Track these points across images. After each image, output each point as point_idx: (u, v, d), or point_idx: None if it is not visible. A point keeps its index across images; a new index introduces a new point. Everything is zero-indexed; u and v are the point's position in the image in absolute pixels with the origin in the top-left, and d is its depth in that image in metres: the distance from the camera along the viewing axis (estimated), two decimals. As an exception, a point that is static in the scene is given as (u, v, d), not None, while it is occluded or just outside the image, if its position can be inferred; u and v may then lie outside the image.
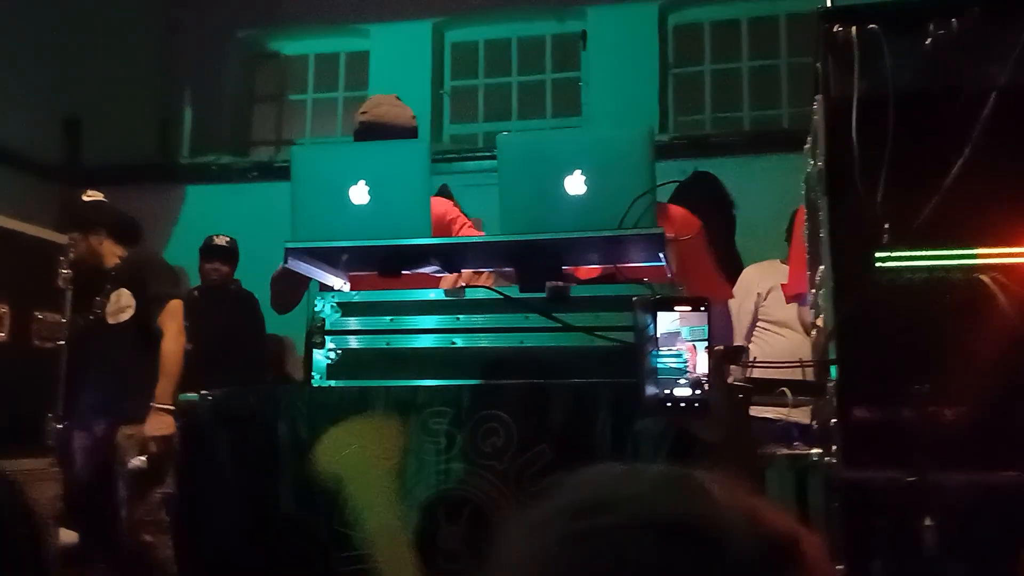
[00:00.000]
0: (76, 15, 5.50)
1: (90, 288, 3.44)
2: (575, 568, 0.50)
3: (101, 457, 3.37)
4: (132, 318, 3.44)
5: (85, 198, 3.74)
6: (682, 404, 1.35)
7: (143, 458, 3.21)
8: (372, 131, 2.67)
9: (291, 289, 2.55)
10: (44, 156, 5.51)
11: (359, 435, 1.84)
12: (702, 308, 1.37)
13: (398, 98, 2.86)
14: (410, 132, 2.75)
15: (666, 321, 1.39)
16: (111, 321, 3.44)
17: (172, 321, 3.40)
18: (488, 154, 5.68)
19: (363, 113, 2.76)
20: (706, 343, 1.38)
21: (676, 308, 1.37)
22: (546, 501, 0.55)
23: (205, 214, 5.46)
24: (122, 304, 3.45)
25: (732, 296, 2.94)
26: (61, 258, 3.07)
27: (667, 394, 1.36)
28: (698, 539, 0.50)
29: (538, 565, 0.52)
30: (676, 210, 2.70)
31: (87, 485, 3.37)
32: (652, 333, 1.36)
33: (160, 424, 3.19)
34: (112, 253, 3.58)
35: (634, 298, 1.52)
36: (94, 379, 3.40)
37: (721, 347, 1.53)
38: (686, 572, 0.49)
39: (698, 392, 1.34)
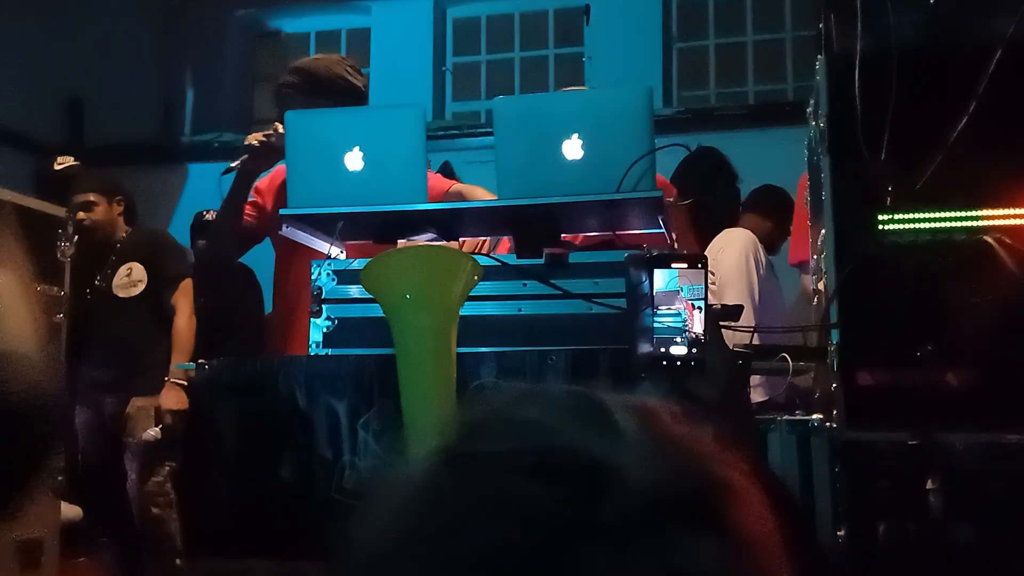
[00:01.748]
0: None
1: (93, 260, 3.43)
2: (436, 499, 0.45)
3: (110, 432, 3.36)
4: (143, 293, 3.44)
5: (57, 166, 3.73)
6: (678, 363, 1.33)
7: (157, 429, 3.20)
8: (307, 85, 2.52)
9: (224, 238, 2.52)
10: (47, 136, 5.50)
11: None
12: (699, 266, 1.35)
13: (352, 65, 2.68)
14: (350, 92, 2.54)
15: (663, 279, 1.36)
16: (121, 295, 3.43)
17: (185, 299, 3.40)
18: (491, 130, 5.64)
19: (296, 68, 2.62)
20: (703, 302, 1.35)
21: (673, 265, 1.35)
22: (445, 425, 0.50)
23: (207, 192, 5.43)
24: (134, 278, 3.44)
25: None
26: (60, 231, 3.06)
27: (663, 352, 1.33)
28: (576, 473, 0.42)
29: (406, 492, 0.46)
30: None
31: (94, 460, 3.38)
32: (647, 291, 1.33)
33: (175, 398, 3.19)
34: (122, 227, 3.59)
35: (627, 255, 1.49)
36: (102, 353, 3.39)
37: (718, 304, 1.51)
38: (555, 511, 0.41)
39: (695, 351, 1.32)
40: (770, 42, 5.68)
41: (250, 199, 2.52)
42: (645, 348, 1.35)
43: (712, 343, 1.34)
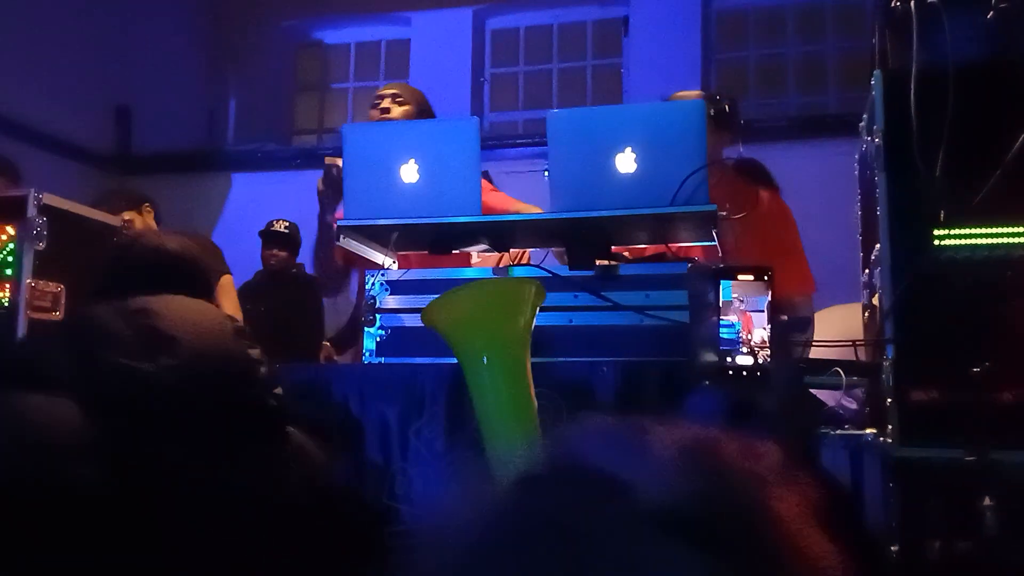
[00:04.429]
0: (125, 7, 5.60)
1: None
2: (510, 520, 0.48)
3: None
4: None
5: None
6: (744, 373, 1.34)
7: None
8: None
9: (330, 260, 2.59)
10: (96, 145, 5.63)
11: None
12: (765, 278, 1.36)
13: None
14: None
15: (725, 292, 1.38)
16: None
17: (227, 297, 3.44)
18: (528, 141, 5.68)
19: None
20: (764, 313, 1.36)
21: (739, 277, 1.36)
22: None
23: (250, 201, 5.53)
24: None
25: (814, 290, 2.82)
26: (115, 239, 3.13)
27: (729, 362, 1.35)
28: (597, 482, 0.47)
29: (484, 513, 0.50)
30: (765, 195, 2.68)
31: None
32: (713, 302, 1.35)
33: None
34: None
35: (689, 265, 1.50)
36: None
37: (786, 317, 1.51)
38: (577, 517, 0.45)
39: (759, 361, 1.33)
40: (811, 53, 5.66)
41: None
42: (710, 357, 1.36)
43: (778, 355, 1.35)
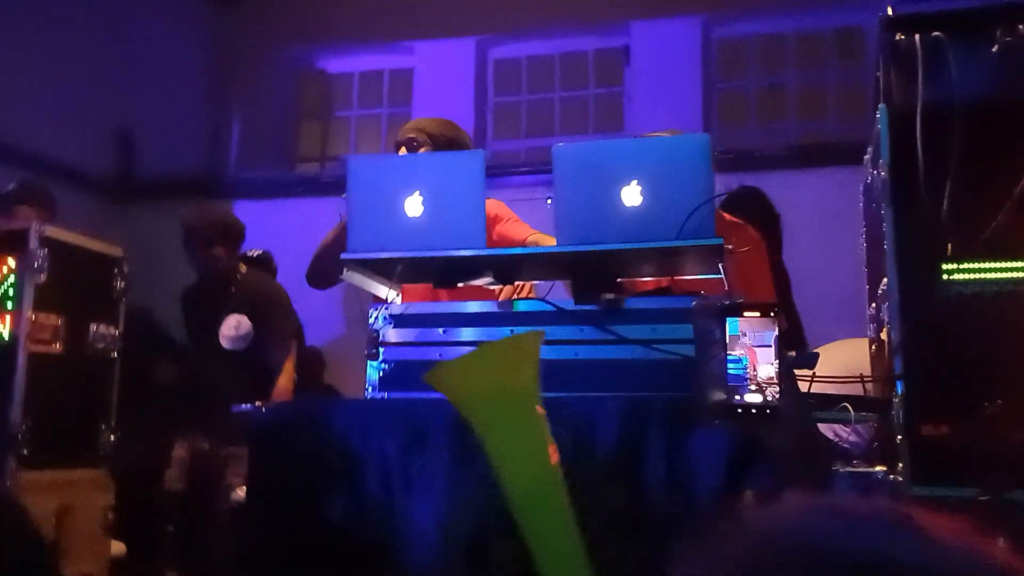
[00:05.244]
0: (128, 32, 5.63)
1: (212, 299, 3.54)
2: None
3: (202, 472, 3.40)
4: (248, 347, 3.47)
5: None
6: (753, 411, 1.32)
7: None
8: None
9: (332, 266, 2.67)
10: (98, 170, 5.63)
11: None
12: (771, 314, 1.34)
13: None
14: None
15: (731, 327, 1.36)
16: (226, 345, 3.47)
17: (289, 360, 3.47)
18: (530, 169, 5.69)
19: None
20: (772, 348, 1.35)
21: (746, 314, 1.34)
22: (738, 528, 0.51)
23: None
24: (241, 331, 3.49)
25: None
26: (116, 270, 3.12)
27: (737, 400, 1.33)
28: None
29: None
30: (734, 222, 2.68)
31: (181, 492, 3.43)
32: (719, 339, 1.33)
33: None
34: (238, 268, 3.68)
35: (695, 302, 1.49)
36: (202, 397, 3.43)
37: (793, 352, 1.49)
38: None
39: (768, 398, 1.31)
40: (812, 82, 5.68)
41: None
42: (718, 396, 1.34)
43: (787, 390, 1.33)
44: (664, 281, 2.30)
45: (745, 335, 1.46)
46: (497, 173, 5.46)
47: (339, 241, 2.70)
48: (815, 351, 1.88)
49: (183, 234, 3.63)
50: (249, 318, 3.47)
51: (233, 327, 3.47)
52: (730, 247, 1.80)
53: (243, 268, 3.74)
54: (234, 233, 3.71)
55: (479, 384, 1.39)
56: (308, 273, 3.03)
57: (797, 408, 1.36)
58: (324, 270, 2.85)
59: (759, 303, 1.36)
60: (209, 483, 3.32)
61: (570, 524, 1.33)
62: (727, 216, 2.74)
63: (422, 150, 2.73)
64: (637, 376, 1.82)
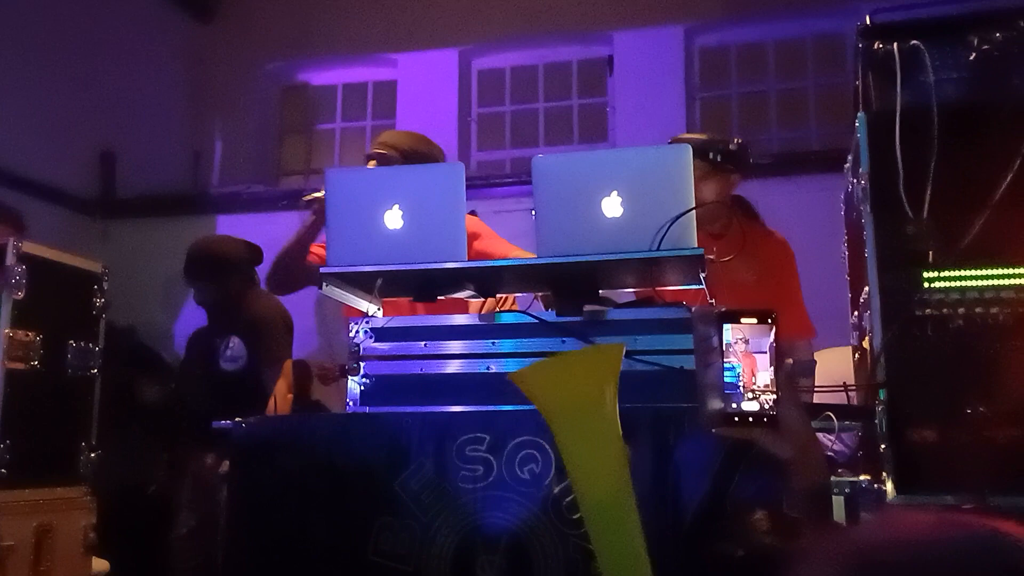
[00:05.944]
0: (108, 49, 5.60)
1: (219, 317, 3.52)
2: None
3: (203, 483, 3.39)
4: (241, 370, 3.48)
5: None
6: (750, 419, 1.31)
7: None
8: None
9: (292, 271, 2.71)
10: (80, 189, 5.59)
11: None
12: (769, 321, 1.33)
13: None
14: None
15: (727, 335, 1.35)
16: (224, 366, 3.48)
17: (284, 380, 3.48)
18: (515, 180, 5.69)
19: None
20: (767, 355, 1.34)
21: (743, 320, 1.33)
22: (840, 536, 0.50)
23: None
24: (234, 354, 3.49)
25: (815, 335, 2.81)
26: (95, 286, 3.08)
27: (735, 408, 1.31)
28: None
29: None
30: (775, 237, 2.72)
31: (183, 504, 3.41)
32: (717, 347, 1.32)
33: None
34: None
35: (693, 309, 1.47)
36: (203, 415, 3.44)
37: (791, 360, 1.48)
38: None
39: (767, 406, 1.30)
40: (792, 90, 5.71)
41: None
42: (715, 404, 1.33)
43: (785, 398, 1.31)
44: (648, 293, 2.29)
45: (737, 342, 1.44)
46: (481, 184, 5.46)
47: (301, 242, 2.76)
48: (812, 359, 1.87)
49: (206, 271, 3.63)
50: (248, 339, 3.48)
51: (227, 349, 3.49)
52: (711, 256, 1.80)
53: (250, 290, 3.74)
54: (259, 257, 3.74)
55: (563, 391, 1.38)
56: (268, 276, 3.03)
57: (800, 416, 1.35)
58: (284, 273, 2.85)
59: (756, 311, 1.35)
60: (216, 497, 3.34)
61: (640, 537, 1.32)
62: (759, 225, 2.74)
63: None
64: (622, 387, 1.80)
